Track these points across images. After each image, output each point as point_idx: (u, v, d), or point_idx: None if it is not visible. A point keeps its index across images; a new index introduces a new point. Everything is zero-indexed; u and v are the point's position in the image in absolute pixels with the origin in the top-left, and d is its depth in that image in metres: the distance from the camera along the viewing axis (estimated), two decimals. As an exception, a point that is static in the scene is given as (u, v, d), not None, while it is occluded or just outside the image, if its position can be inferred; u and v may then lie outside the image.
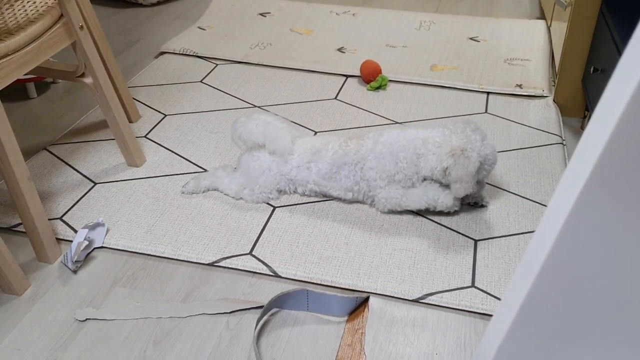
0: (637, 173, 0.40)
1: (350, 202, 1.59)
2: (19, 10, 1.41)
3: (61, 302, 1.32)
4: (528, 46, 2.48)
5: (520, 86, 2.16)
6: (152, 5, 3.00)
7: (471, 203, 1.58)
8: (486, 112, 2.04)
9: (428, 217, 1.55)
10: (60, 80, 2.26)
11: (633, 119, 0.37)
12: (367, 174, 1.53)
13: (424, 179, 1.52)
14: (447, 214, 1.55)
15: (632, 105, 0.37)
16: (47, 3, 1.48)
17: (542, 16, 2.81)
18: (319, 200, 1.61)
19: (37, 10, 1.45)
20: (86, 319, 1.28)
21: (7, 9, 1.38)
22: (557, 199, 0.45)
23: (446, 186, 1.50)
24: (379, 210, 1.56)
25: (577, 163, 0.42)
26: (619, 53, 1.60)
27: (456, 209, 1.52)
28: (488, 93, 2.15)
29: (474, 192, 1.50)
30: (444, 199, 1.50)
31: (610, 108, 0.39)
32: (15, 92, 2.19)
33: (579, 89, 2.02)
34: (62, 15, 1.50)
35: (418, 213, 1.56)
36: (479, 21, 2.73)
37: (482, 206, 1.58)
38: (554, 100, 2.08)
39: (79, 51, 1.57)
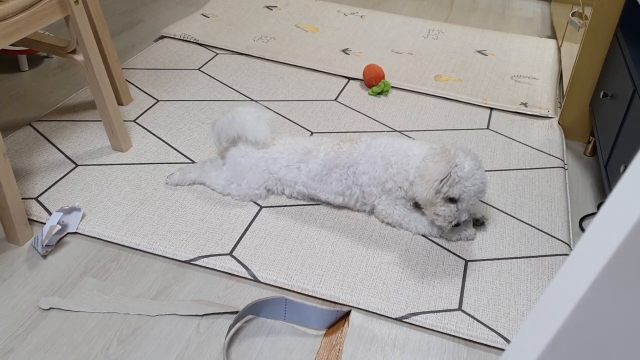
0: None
1: (340, 207, 1.53)
2: (10, -24, 1.34)
3: (26, 287, 1.25)
4: (536, 65, 2.42)
5: (525, 105, 2.10)
6: (158, -13, 2.93)
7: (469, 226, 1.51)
8: (488, 128, 1.97)
9: (419, 232, 1.49)
10: (54, 56, 2.19)
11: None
12: (360, 179, 1.47)
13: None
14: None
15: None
16: (41, -28, 1.41)
17: (553, 35, 2.75)
18: (308, 203, 1.54)
19: (30, -21, 1.38)
20: (50, 308, 1.21)
21: (-3, -25, 1.31)
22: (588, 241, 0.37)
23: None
24: (377, 219, 1.50)
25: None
26: (632, 80, 1.54)
27: (470, 239, 1.47)
28: (491, 109, 2.09)
29: (449, 216, 1.38)
30: (449, 233, 1.46)
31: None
32: (6, 64, 2.12)
33: (586, 113, 1.96)
34: (56, -14, 1.42)
35: (409, 227, 1.49)
36: (489, 35, 2.67)
37: (482, 224, 1.52)
38: (558, 122, 2.02)
39: (71, 26, 1.49)
